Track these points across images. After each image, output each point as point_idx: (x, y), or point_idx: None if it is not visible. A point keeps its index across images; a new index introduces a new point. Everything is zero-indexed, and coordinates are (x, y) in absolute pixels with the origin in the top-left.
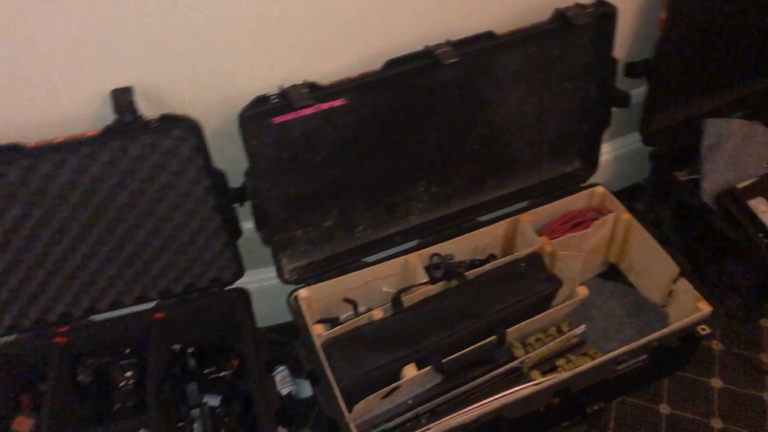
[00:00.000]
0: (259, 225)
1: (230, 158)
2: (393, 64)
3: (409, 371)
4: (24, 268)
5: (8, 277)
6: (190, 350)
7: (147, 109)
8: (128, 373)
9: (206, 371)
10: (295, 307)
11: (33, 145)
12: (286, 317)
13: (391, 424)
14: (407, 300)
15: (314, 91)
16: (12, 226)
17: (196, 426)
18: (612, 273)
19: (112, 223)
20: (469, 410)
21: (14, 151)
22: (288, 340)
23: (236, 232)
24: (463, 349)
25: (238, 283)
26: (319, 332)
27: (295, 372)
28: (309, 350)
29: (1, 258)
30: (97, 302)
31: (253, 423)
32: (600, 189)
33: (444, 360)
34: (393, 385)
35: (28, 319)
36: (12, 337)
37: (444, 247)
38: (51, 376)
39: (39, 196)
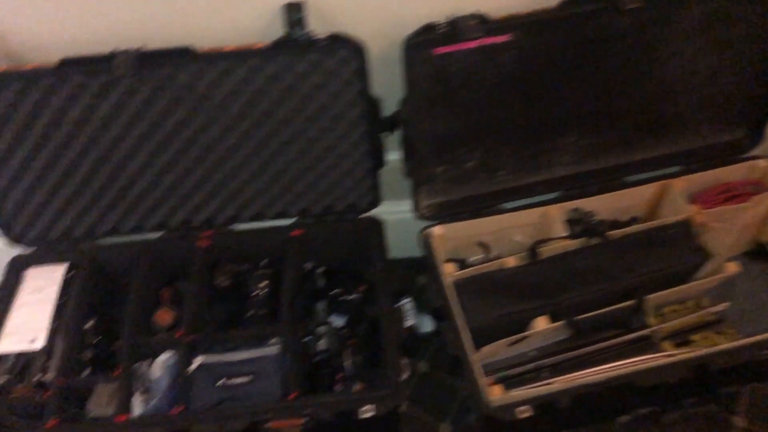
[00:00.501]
0: (406, 157)
1: (385, 86)
2: (570, 3)
3: (541, 323)
4: (179, 170)
5: (163, 177)
6: (320, 270)
7: (315, 26)
8: (263, 283)
9: (333, 292)
10: (426, 244)
11: (204, 50)
12: (413, 252)
13: (511, 372)
14: (543, 252)
15: (483, 23)
16: (174, 128)
17: (321, 342)
18: (760, 253)
19: (266, 137)
20: (597, 371)
21: (186, 54)
22: (413, 275)
23: (380, 162)
24: (597, 309)
25: (372, 212)
26: (450, 271)
27: (417, 307)
28: (437, 288)
29: (161, 158)
30: (241, 212)
31: (376, 349)
32: (762, 162)
33: (578, 317)
34: (522, 334)
35: (176, 220)
36: (159, 234)
37: (586, 203)
38: (193, 276)
39: (203, 102)
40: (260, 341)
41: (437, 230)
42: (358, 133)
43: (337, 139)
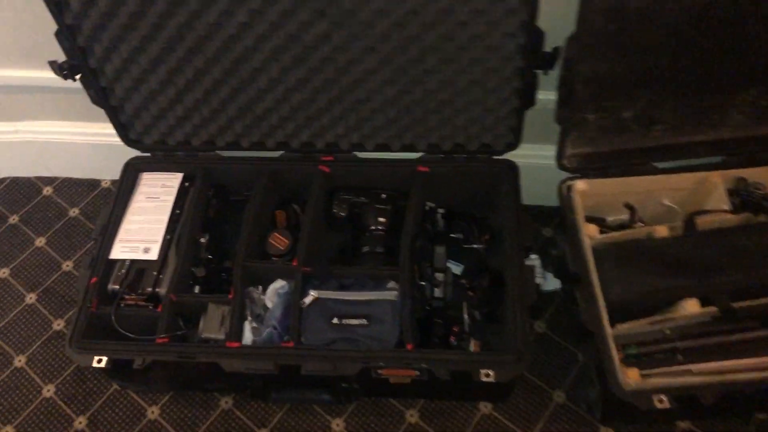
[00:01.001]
0: (561, 99)
1: (551, 19)
2: None
3: (690, 306)
4: (309, 89)
5: (291, 95)
6: (441, 211)
7: None
8: (381, 219)
9: (453, 235)
10: (566, 199)
11: None
12: (538, 201)
13: (642, 349)
14: (699, 224)
15: None
16: (312, 43)
17: (437, 291)
18: None
19: (409, 63)
20: (745, 366)
21: None
22: (538, 226)
23: (530, 101)
24: (757, 297)
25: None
26: (591, 233)
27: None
28: (575, 250)
29: (292, 75)
30: (366, 140)
31: (496, 305)
32: None
33: (735, 305)
34: (666, 316)
35: (298, 141)
36: (279, 154)
37: (754, 173)
38: (310, 202)
39: (348, 18)
40: (376, 282)
41: (580, 185)
42: (512, 67)
43: (487, 72)
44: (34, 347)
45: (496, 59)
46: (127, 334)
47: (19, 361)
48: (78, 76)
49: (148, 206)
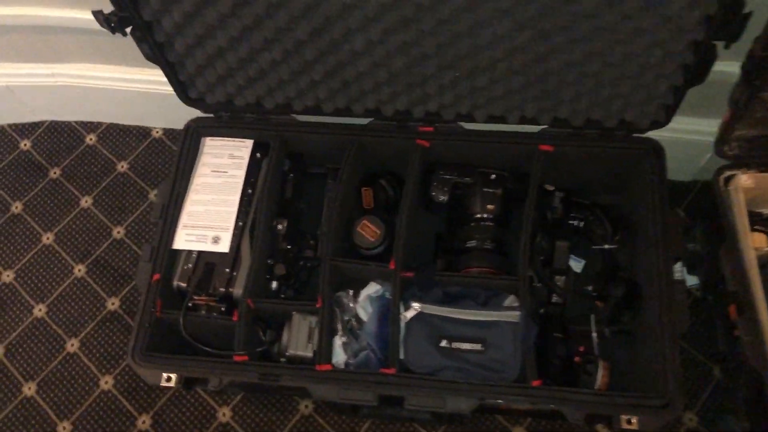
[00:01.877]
0: (746, 77)
1: None
2: None
3: None
4: (417, 54)
5: (392, 59)
6: (559, 194)
7: None
8: (490, 206)
9: (570, 224)
10: (723, 195)
11: None
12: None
13: None
14: None
15: None
16: (429, 3)
17: (555, 296)
18: None
19: (555, 30)
20: None
21: None
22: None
23: (699, 78)
24: None
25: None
26: (759, 244)
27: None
28: (733, 262)
29: (397, 36)
30: (476, 110)
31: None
32: None
33: None
34: None
35: (392, 108)
36: (367, 122)
37: None
38: (408, 184)
39: None
40: (488, 293)
41: (745, 180)
42: (687, 40)
43: (652, 44)
44: (87, 329)
45: (669, 30)
46: (200, 346)
47: (72, 345)
48: (128, 29)
49: (215, 182)
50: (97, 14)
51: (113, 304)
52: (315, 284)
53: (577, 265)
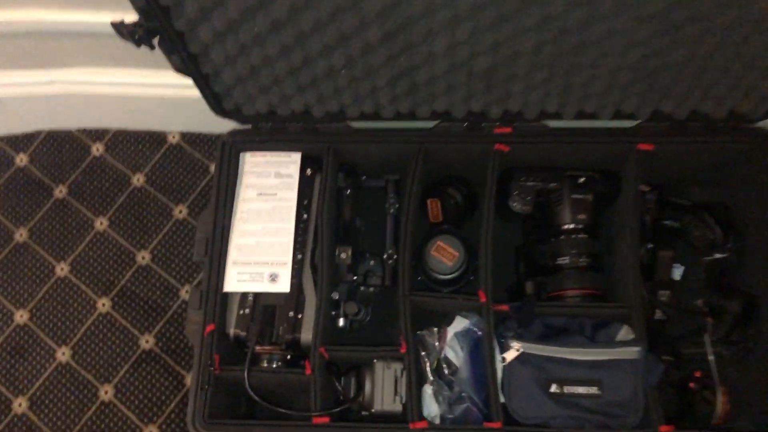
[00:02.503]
0: None
1: None
2: None
3: None
4: (507, 53)
5: (476, 60)
6: (653, 194)
7: None
8: (581, 215)
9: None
10: None
11: None
12: None
13: None
14: None
15: None
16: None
17: (658, 312)
18: None
19: (687, 21)
20: None
21: None
22: None
23: None
24: None
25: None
26: None
27: None
28: None
29: (486, 36)
30: (566, 108)
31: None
32: None
33: None
34: None
35: (464, 109)
36: (433, 125)
37: None
38: (486, 194)
39: None
40: (595, 324)
41: None
42: None
43: None
44: (121, 373)
45: None
46: (271, 407)
47: (106, 392)
48: (156, 40)
49: (264, 207)
50: (118, 26)
51: (147, 341)
52: (383, 316)
53: (676, 271)
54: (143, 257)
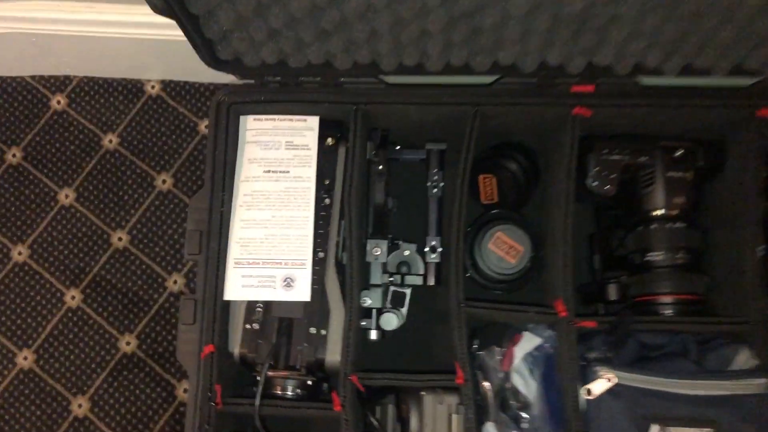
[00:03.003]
0: None
1: None
2: None
3: None
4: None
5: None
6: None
7: None
8: (678, 199)
9: None
10: None
11: None
12: None
13: None
14: None
15: None
16: None
17: None
18: None
19: None
20: None
21: None
22: None
23: None
24: None
25: None
26: None
27: None
28: None
29: None
30: (668, 60)
31: None
32: None
33: None
34: None
35: (535, 60)
36: (492, 80)
37: None
38: (562, 170)
39: None
40: (703, 347)
41: None
42: None
43: None
44: (97, 383)
45: None
46: None
47: (80, 406)
48: None
49: (272, 189)
50: None
51: (128, 343)
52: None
53: None
54: (120, 238)
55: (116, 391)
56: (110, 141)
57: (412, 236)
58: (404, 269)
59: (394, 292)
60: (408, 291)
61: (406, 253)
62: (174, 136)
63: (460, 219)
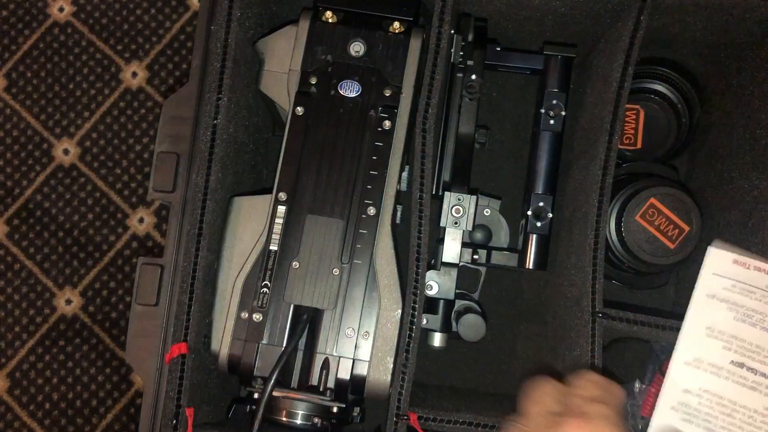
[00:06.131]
0: None
1: None
2: None
3: None
4: None
5: None
6: None
7: None
8: None
9: None
10: None
11: None
12: None
13: None
14: None
15: None
16: None
17: None
18: None
19: None
20: None
21: None
22: None
23: None
24: None
25: None
26: None
27: None
28: None
29: None
30: None
31: None
32: None
33: None
34: None
35: None
36: None
37: None
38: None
39: None
40: None
41: None
42: None
43: None
44: (22, 354)
45: None
46: None
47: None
48: None
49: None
50: None
51: (69, 302)
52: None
53: None
54: (65, 151)
55: (47, 368)
56: (60, 9)
57: (497, 190)
58: (479, 237)
59: (463, 267)
60: (483, 271)
61: (487, 212)
62: (153, 10)
63: (606, 172)
